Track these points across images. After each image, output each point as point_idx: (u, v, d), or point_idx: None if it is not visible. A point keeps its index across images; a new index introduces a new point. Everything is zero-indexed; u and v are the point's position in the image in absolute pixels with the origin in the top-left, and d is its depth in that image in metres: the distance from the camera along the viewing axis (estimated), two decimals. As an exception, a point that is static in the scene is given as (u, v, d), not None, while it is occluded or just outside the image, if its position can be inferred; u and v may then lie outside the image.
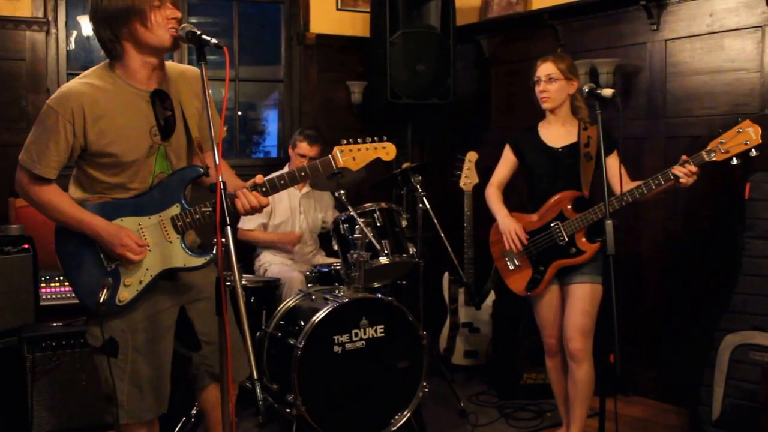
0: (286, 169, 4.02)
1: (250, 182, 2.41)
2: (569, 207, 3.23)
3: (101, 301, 2.30)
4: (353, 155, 2.54)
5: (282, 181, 2.42)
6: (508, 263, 3.35)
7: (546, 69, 3.26)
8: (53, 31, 4.49)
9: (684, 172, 2.98)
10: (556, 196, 3.26)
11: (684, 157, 3.01)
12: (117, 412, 2.40)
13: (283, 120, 5.31)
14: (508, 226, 3.28)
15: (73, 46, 4.86)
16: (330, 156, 2.51)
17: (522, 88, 3.63)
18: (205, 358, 2.55)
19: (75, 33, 4.90)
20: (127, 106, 2.32)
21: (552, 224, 3.25)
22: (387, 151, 2.61)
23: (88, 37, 5.13)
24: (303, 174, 2.45)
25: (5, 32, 4.38)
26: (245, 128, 6.01)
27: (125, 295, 2.35)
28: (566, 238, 3.21)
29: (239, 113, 5.44)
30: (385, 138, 2.61)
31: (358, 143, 2.55)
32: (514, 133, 3.50)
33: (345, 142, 2.54)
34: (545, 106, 3.30)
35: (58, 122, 2.25)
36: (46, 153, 2.27)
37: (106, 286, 2.32)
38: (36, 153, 2.28)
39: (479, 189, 4.06)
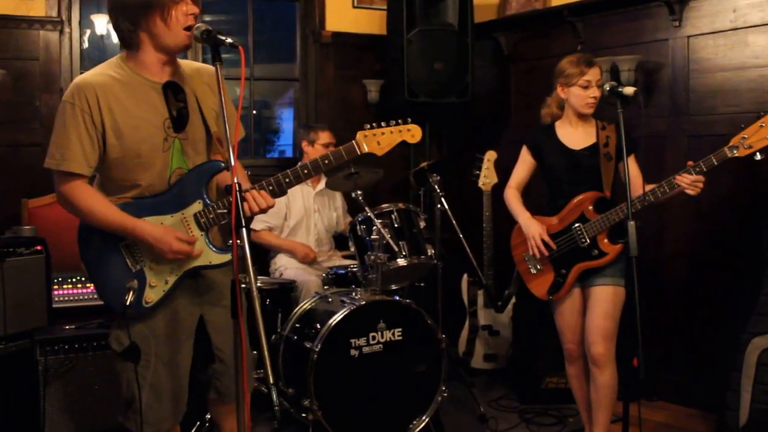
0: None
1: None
2: (591, 208, 3.17)
3: (128, 303, 2.26)
4: (377, 140, 2.48)
5: (306, 171, 2.38)
6: (530, 267, 3.29)
7: (597, 73, 3.18)
8: (67, 30, 4.47)
9: (686, 182, 2.92)
10: (578, 198, 3.19)
11: (690, 163, 2.95)
12: (137, 418, 2.36)
13: (298, 119, 5.27)
14: (532, 230, 3.22)
15: (86, 45, 4.84)
16: (354, 142, 2.45)
17: (541, 86, 3.56)
18: (216, 373, 2.50)
19: (88, 32, 4.89)
20: (140, 97, 2.30)
21: (573, 226, 3.18)
22: (412, 133, 2.55)
23: (101, 36, 5.12)
24: (327, 162, 2.41)
25: (19, 32, 4.36)
26: (260, 127, 5.98)
27: (152, 296, 2.32)
28: (588, 240, 3.15)
29: (254, 112, 5.40)
30: (409, 120, 2.54)
31: (382, 127, 2.49)
32: (531, 133, 3.43)
33: (368, 126, 2.47)
34: (588, 111, 3.21)
35: (75, 113, 2.23)
36: (69, 147, 2.24)
37: (132, 288, 2.28)
38: (59, 150, 2.25)
39: (498, 189, 3.99)
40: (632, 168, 3.12)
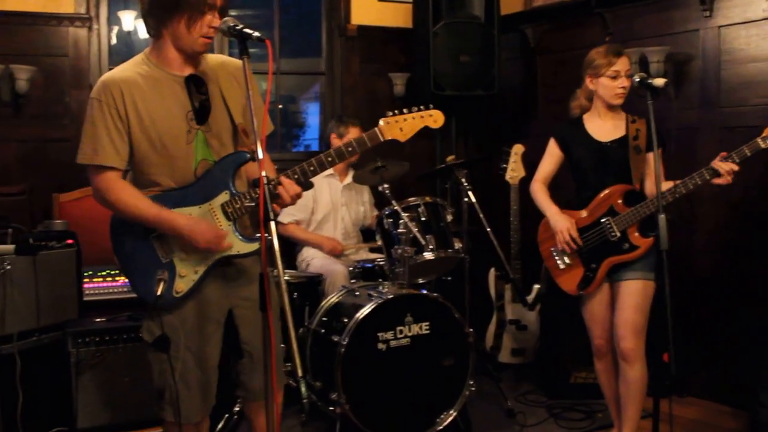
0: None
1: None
2: (620, 201, 3.14)
3: (159, 293, 2.29)
4: (400, 126, 2.47)
5: (329, 159, 2.39)
6: (558, 262, 3.26)
7: (625, 63, 3.13)
8: (95, 27, 4.51)
9: (725, 168, 2.90)
10: (606, 191, 3.16)
11: (723, 154, 2.92)
12: (170, 409, 2.39)
13: (324, 113, 5.27)
14: (561, 224, 3.19)
15: (114, 41, 4.88)
16: (376, 129, 2.45)
17: (569, 79, 3.52)
18: (244, 370, 2.51)
19: (116, 28, 4.92)
20: (163, 90, 2.34)
21: (602, 220, 3.15)
22: (435, 118, 2.53)
23: (128, 33, 5.15)
24: (351, 149, 2.40)
25: (48, 29, 4.40)
26: (286, 121, 5.99)
27: (182, 286, 2.35)
28: (618, 234, 3.12)
29: (279, 106, 5.41)
30: (431, 105, 2.53)
31: (404, 113, 2.49)
32: (558, 126, 3.39)
33: (390, 113, 2.47)
34: (617, 102, 3.17)
35: (102, 109, 2.28)
36: (99, 141, 2.29)
37: (163, 279, 2.31)
38: (90, 145, 2.30)
39: (526, 182, 3.96)
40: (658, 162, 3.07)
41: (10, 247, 2.75)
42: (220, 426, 3.37)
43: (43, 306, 3.10)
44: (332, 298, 3.60)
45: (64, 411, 3.08)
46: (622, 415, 3.24)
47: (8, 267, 2.97)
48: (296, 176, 2.35)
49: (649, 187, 3.13)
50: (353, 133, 4.29)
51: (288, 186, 2.30)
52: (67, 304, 3.23)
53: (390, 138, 2.45)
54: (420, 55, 4.66)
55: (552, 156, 3.36)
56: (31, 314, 3.06)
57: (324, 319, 3.53)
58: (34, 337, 3.09)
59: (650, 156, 3.04)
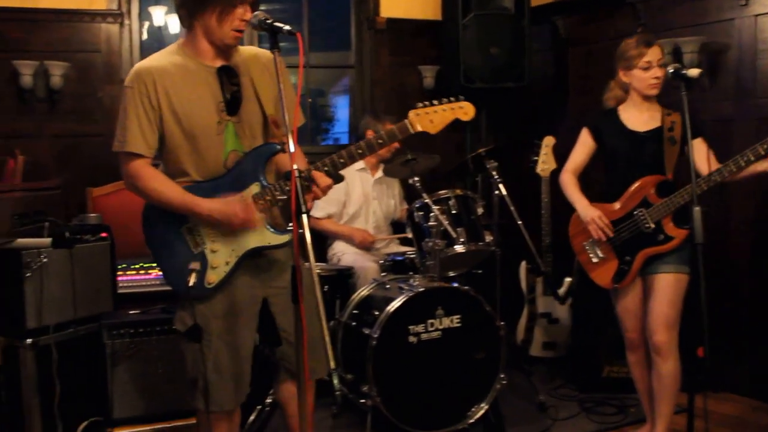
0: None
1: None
2: (653, 192, 3.10)
3: (191, 284, 2.32)
4: (430, 118, 2.46)
5: (360, 150, 2.39)
6: (591, 256, 3.23)
7: (658, 53, 3.09)
8: (127, 22, 4.55)
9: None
10: (639, 182, 3.13)
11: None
12: (202, 398, 2.41)
13: (354, 106, 5.27)
14: (591, 213, 3.16)
15: (145, 36, 4.92)
16: (406, 121, 2.44)
17: (600, 70, 3.49)
18: (284, 354, 2.53)
19: (147, 24, 4.97)
20: (195, 80, 2.36)
21: (636, 211, 3.12)
22: (465, 110, 2.51)
23: (159, 28, 5.19)
24: (381, 141, 2.40)
25: (81, 25, 4.45)
26: (315, 115, 6.00)
27: (213, 277, 2.37)
28: (652, 225, 3.08)
29: (309, 100, 5.42)
30: (462, 97, 2.51)
31: (434, 105, 2.47)
32: (592, 116, 3.35)
33: (420, 105, 2.45)
34: (652, 92, 3.13)
35: (135, 97, 2.32)
36: (129, 129, 2.32)
37: (195, 270, 2.34)
38: (122, 133, 2.34)
39: (556, 175, 3.93)
40: (701, 150, 3.02)
41: (47, 240, 2.79)
42: (252, 418, 3.39)
43: (79, 298, 3.14)
44: (363, 291, 3.62)
45: (99, 401, 3.12)
46: (656, 410, 3.21)
47: (45, 260, 3.01)
48: (326, 168, 2.35)
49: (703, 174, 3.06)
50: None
51: (319, 178, 2.30)
52: (102, 297, 3.27)
53: (420, 130, 2.44)
54: (449, 48, 4.64)
55: (584, 146, 3.32)
56: (68, 306, 3.10)
57: (355, 312, 3.54)
58: (71, 328, 3.13)
59: (696, 144, 2.99)
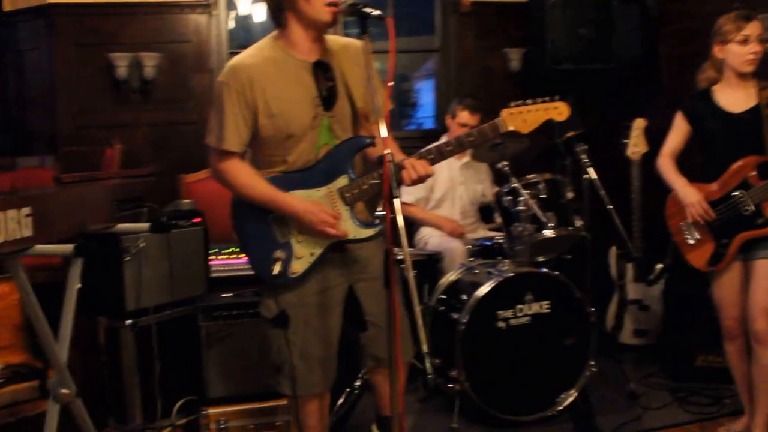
0: (443, 139, 3.95)
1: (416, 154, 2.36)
2: (754, 173, 2.98)
3: (275, 273, 2.35)
4: (523, 117, 2.42)
5: (449, 148, 2.37)
6: (688, 238, 3.13)
7: (756, 27, 2.97)
8: (214, 12, 4.65)
9: None
10: (739, 163, 3.01)
11: None
12: (287, 382, 2.45)
13: (439, 90, 5.24)
14: (691, 197, 3.07)
15: (233, 25, 5.01)
16: (498, 119, 2.41)
17: (693, 49, 3.35)
18: (370, 340, 2.54)
19: (234, 13, 5.06)
20: (291, 76, 2.35)
21: (735, 193, 3.01)
22: (559, 110, 2.47)
23: (245, 17, 5.29)
24: (471, 139, 2.38)
25: (172, 17, 4.58)
26: (398, 100, 6.00)
27: (297, 267, 2.39)
28: (752, 208, 2.97)
29: (390, 84, 5.42)
30: (557, 97, 2.47)
31: (528, 104, 2.43)
32: (686, 99, 3.24)
33: (513, 104, 2.42)
34: (748, 69, 3.00)
35: (231, 94, 2.32)
36: (225, 126, 2.33)
37: (280, 259, 2.37)
38: (218, 130, 2.36)
39: (648, 157, 3.83)
40: None
41: (145, 225, 2.87)
42: (340, 401, 3.44)
43: (175, 281, 3.23)
44: (451, 276, 3.61)
45: (195, 381, 3.21)
46: (754, 401, 3.10)
47: (143, 245, 3.11)
48: (431, 156, 2.35)
49: None
50: (462, 117, 4.23)
51: (418, 165, 2.29)
52: (196, 280, 3.35)
53: (512, 129, 2.41)
54: (536, 29, 4.57)
55: (679, 130, 3.22)
56: (165, 289, 3.20)
57: (443, 296, 3.54)
58: (168, 310, 3.24)
59: None
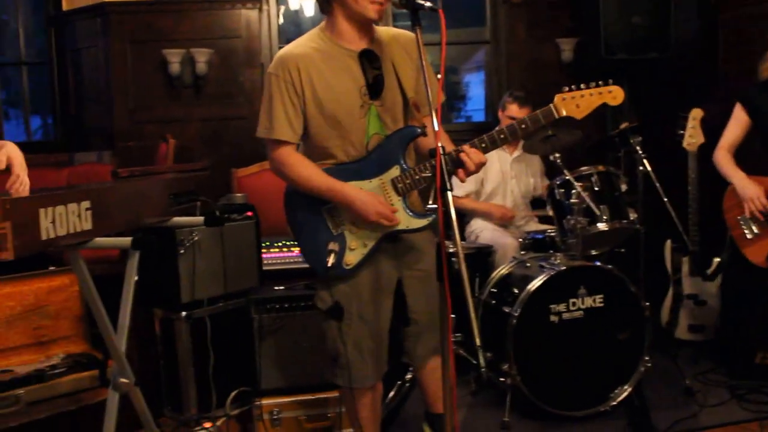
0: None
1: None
2: (816, 167, 2.88)
3: (329, 265, 2.37)
4: (576, 102, 2.38)
5: (502, 136, 2.34)
6: (746, 232, 3.06)
7: None
8: (264, 8, 4.71)
9: None
10: (801, 155, 2.91)
11: None
12: (343, 374, 2.47)
13: (489, 83, 5.19)
14: (750, 191, 2.99)
15: (282, 20, 5.05)
16: (551, 105, 2.37)
17: (754, 38, 3.25)
18: (409, 335, 2.56)
19: (283, 8, 5.09)
20: (337, 65, 2.37)
21: (796, 187, 2.92)
22: (614, 95, 2.41)
23: (295, 12, 5.31)
24: (524, 126, 2.35)
25: (223, 12, 4.64)
26: (448, 92, 5.96)
27: (351, 258, 2.40)
28: (814, 202, 2.87)
29: (438, 76, 5.39)
30: (610, 81, 2.41)
31: (581, 89, 2.38)
32: (746, 90, 3.15)
33: (566, 89, 2.38)
34: None
35: (280, 84, 2.35)
36: (276, 116, 2.37)
37: (334, 251, 2.39)
38: (268, 120, 2.39)
39: (704, 149, 3.73)
40: None
41: (200, 219, 2.91)
42: (392, 393, 3.44)
43: (229, 274, 3.28)
44: (503, 270, 3.58)
45: (248, 372, 3.26)
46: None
47: (197, 238, 3.16)
48: (484, 145, 2.32)
49: None
50: (511, 109, 4.18)
51: (473, 154, 2.27)
52: (248, 273, 3.39)
53: (565, 115, 2.37)
54: (589, 19, 4.49)
55: (738, 122, 3.15)
56: (218, 282, 3.25)
57: (494, 290, 3.51)
58: (221, 303, 3.29)
59: None
